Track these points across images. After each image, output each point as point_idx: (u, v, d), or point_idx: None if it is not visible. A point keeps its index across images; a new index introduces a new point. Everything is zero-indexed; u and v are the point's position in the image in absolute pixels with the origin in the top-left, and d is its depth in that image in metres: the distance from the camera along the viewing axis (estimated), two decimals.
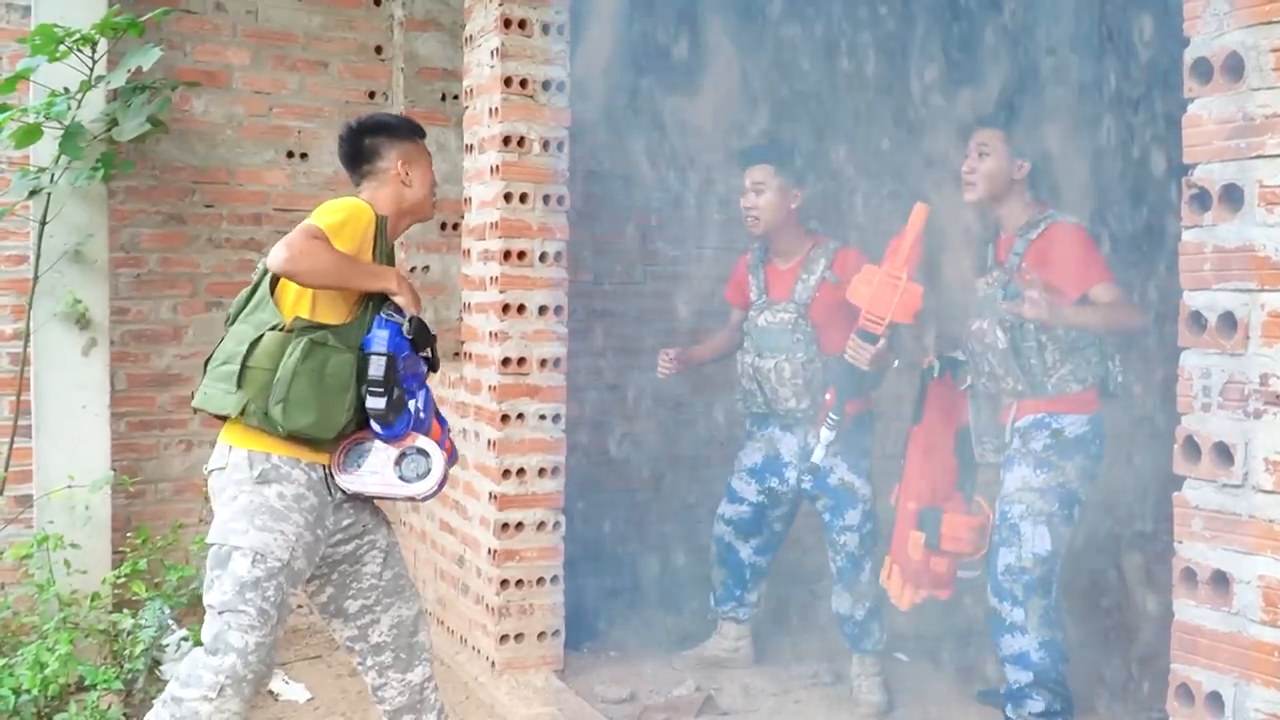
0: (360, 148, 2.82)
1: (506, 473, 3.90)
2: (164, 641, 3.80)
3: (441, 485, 2.67)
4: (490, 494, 3.94)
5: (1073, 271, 3.26)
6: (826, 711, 3.83)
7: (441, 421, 2.77)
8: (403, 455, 2.64)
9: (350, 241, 2.60)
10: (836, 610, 3.92)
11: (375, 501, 2.81)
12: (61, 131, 3.98)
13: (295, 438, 2.56)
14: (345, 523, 2.70)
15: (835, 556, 3.89)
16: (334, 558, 2.72)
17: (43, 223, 4.08)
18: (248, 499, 2.55)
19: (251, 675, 2.48)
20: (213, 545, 2.56)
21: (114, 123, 4.15)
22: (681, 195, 5.68)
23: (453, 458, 2.77)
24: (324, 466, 2.63)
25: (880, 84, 5.88)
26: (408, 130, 2.87)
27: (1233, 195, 1.81)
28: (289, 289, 2.60)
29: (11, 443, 4.14)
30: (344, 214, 2.64)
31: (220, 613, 2.50)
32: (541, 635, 3.96)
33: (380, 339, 2.58)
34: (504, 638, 3.91)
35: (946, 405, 3.61)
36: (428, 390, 2.73)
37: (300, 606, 4.75)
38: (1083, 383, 3.33)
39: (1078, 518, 3.38)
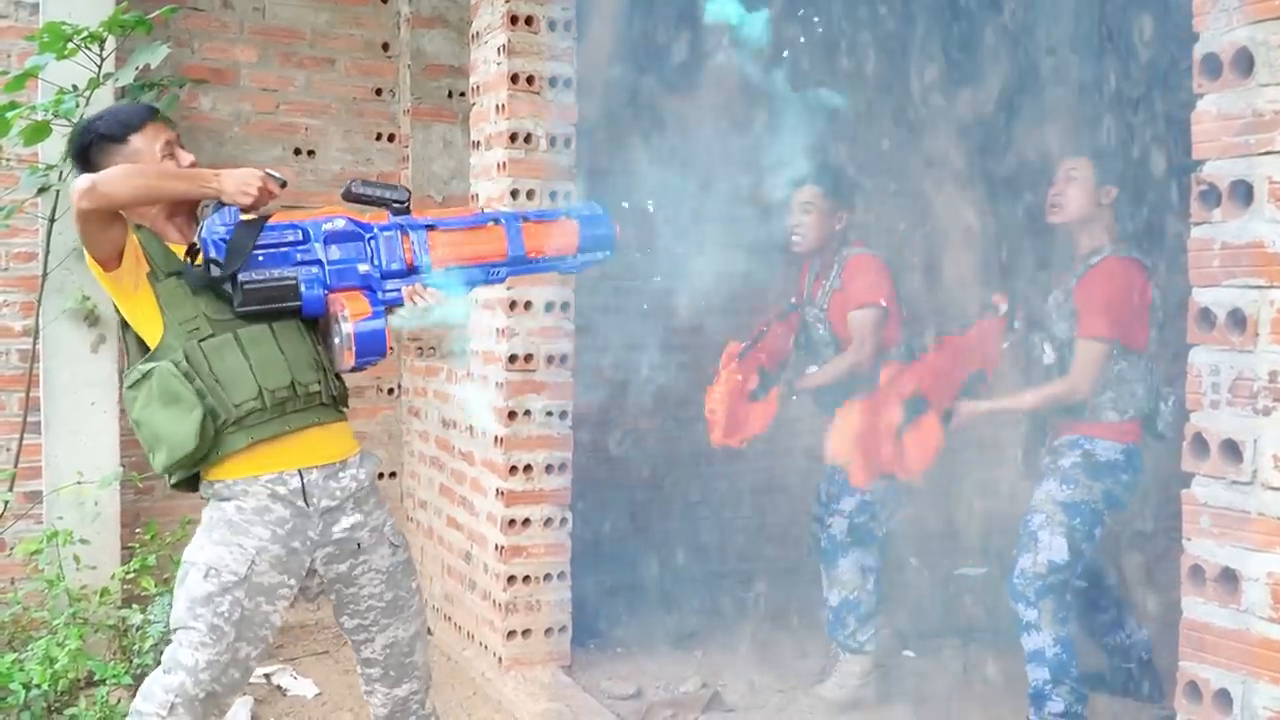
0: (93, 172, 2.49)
1: (514, 469, 3.90)
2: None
3: (358, 352, 2.40)
4: (497, 490, 3.95)
5: (1089, 310, 3.32)
6: (831, 708, 3.83)
7: (371, 296, 2.45)
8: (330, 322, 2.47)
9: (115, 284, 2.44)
10: (823, 593, 3.93)
11: (383, 520, 2.63)
12: (70, 129, 3.99)
13: (207, 466, 2.47)
14: (337, 535, 2.53)
15: (821, 536, 3.91)
16: (328, 577, 2.57)
17: (51, 220, 4.09)
18: (208, 516, 2.49)
19: (203, 694, 2.40)
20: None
21: None
22: (687, 191, 5.68)
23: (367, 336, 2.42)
24: (300, 472, 2.47)
25: (904, 86, 5.89)
26: (117, 131, 2.51)
27: (1241, 192, 1.80)
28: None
29: (21, 439, 4.16)
30: None
31: (174, 630, 2.45)
32: (548, 631, 3.97)
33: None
34: (511, 634, 3.92)
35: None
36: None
37: (308, 604, 4.77)
38: (1122, 413, 3.38)
39: (1099, 538, 3.42)
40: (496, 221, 2.54)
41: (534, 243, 2.56)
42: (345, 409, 2.62)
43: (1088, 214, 3.42)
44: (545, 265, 2.60)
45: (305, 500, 2.47)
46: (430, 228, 2.51)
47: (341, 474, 2.53)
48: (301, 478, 2.47)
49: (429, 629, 2.82)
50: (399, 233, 2.48)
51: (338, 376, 2.59)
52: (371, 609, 2.62)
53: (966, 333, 3.66)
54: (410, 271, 2.47)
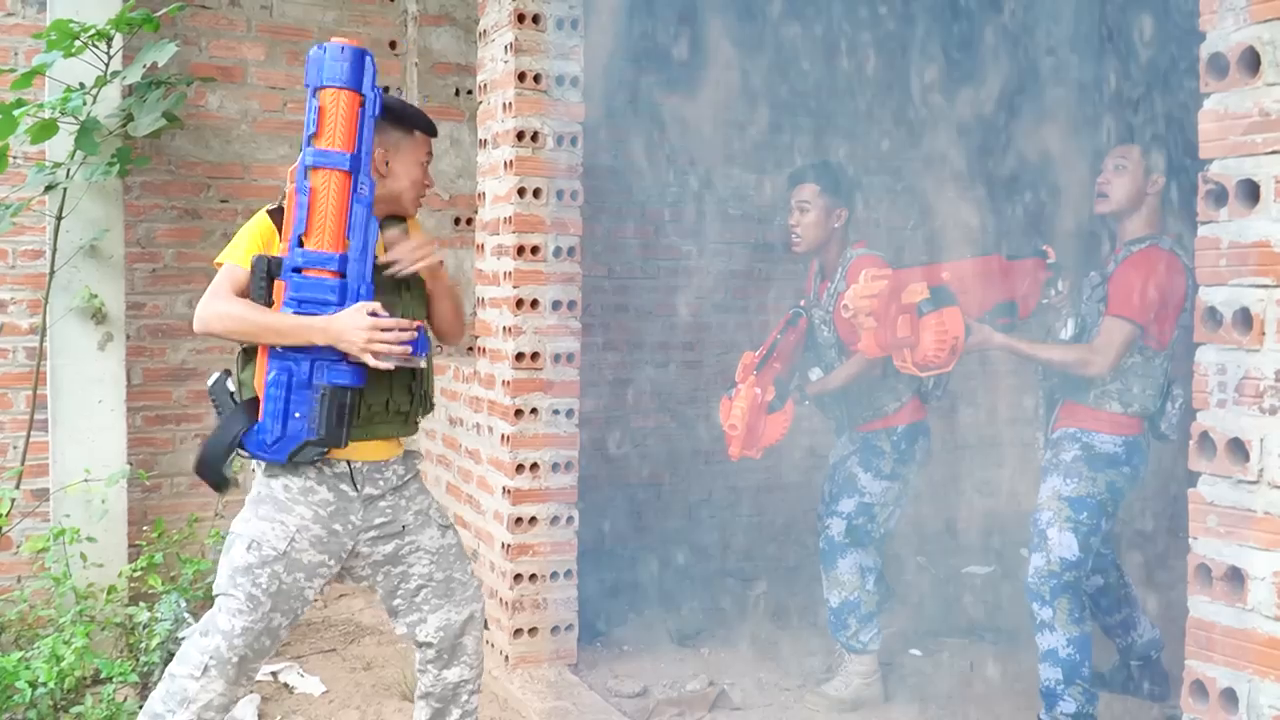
0: None
1: (520, 467, 3.91)
2: (180, 635, 3.81)
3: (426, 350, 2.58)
4: (504, 489, 3.95)
5: (1124, 290, 3.28)
6: (836, 707, 3.83)
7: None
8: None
9: (252, 250, 2.54)
10: (824, 594, 3.93)
11: (427, 504, 2.77)
12: (77, 127, 4.00)
13: None
14: (379, 520, 2.67)
15: (819, 538, 3.90)
16: (374, 558, 2.70)
17: (59, 218, 4.10)
18: (256, 490, 2.62)
19: (236, 659, 2.52)
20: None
21: (129, 118, 4.17)
22: (690, 191, 5.68)
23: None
24: (348, 462, 2.60)
25: (951, 83, 5.89)
26: (404, 121, 2.69)
27: (1248, 191, 1.80)
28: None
29: (28, 436, 4.17)
30: (243, 231, 2.59)
31: (215, 596, 2.58)
32: (555, 630, 3.97)
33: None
34: (517, 632, 3.92)
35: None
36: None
37: (315, 600, 4.78)
38: (1126, 407, 3.37)
39: (1106, 528, 3.42)
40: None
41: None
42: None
43: (1135, 203, 3.38)
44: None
45: (354, 485, 2.61)
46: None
47: (385, 469, 2.68)
48: (349, 465, 2.61)
49: (484, 621, 2.87)
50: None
51: (428, 397, 2.73)
52: (422, 589, 2.75)
53: (1012, 261, 3.60)
54: (344, 261, 2.50)
